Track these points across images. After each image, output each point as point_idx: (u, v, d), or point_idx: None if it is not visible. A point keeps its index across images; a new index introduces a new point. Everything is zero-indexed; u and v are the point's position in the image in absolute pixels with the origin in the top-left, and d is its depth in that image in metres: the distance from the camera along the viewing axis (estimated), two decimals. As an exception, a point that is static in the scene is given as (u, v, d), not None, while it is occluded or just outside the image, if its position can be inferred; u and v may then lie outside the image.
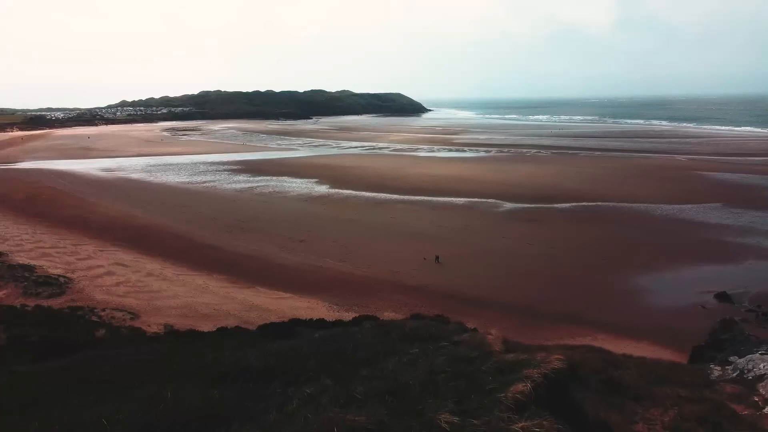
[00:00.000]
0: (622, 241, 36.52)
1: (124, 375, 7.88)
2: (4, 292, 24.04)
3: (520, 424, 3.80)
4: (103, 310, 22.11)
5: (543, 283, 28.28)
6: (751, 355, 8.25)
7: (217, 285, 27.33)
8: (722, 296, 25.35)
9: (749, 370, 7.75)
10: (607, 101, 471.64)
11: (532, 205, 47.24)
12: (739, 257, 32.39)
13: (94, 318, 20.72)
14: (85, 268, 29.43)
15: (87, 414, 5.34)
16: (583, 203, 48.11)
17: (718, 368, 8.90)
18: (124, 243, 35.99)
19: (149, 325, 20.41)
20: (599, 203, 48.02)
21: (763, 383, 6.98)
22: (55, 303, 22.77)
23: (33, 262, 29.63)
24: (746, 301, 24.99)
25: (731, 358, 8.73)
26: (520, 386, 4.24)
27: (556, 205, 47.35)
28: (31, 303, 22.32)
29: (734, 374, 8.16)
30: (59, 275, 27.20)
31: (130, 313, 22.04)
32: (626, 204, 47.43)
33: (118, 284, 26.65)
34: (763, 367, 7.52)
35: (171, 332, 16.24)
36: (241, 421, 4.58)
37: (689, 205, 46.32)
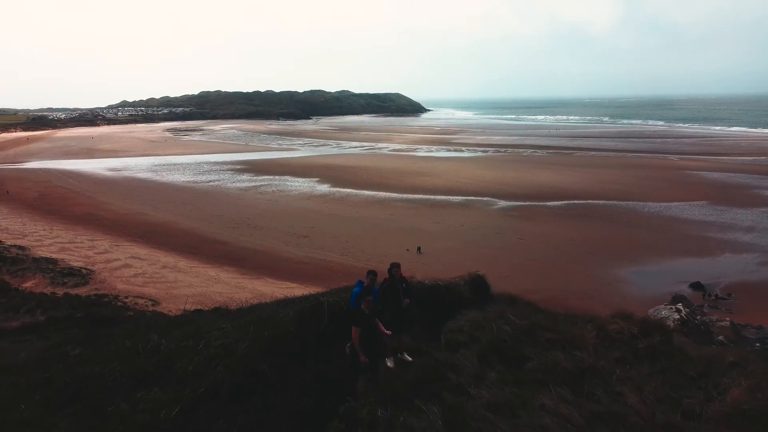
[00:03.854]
0: (609, 236, 38.51)
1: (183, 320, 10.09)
2: (33, 282, 26.08)
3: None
4: (126, 297, 24.17)
5: (532, 275, 30.29)
6: (659, 306, 10.37)
7: (228, 276, 29.37)
8: (696, 286, 27.40)
9: (655, 315, 9.86)
10: (608, 101, 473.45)
11: (526, 203, 49.26)
12: (718, 251, 34.43)
13: (120, 304, 22.77)
14: (104, 261, 31.47)
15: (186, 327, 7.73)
16: (575, 201, 50.10)
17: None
18: (137, 238, 38.03)
19: (170, 311, 22.36)
20: (590, 201, 50.02)
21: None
22: (81, 291, 24.84)
23: (54, 256, 31.68)
24: (718, 291, 27.04)
25: (651, 313, 10.88)
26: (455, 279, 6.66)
27: (549, 203, 49.32)
28: (60, 291, 24.37)
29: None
30: (81, 267, 29.25)
31: (151, 300, 24.09)
32: (616, 202, 49.46)
33: (136, 275, 28.69)
34: (665, 313, 9.64)
35: (196, 311, 18.21)
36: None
37: (676, 203, 48.34)
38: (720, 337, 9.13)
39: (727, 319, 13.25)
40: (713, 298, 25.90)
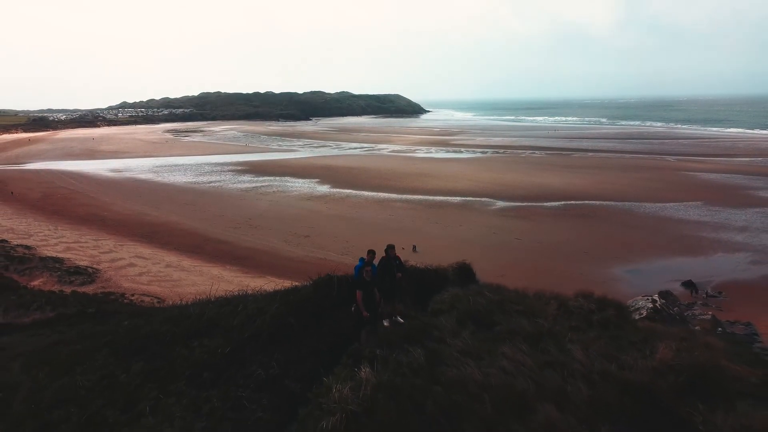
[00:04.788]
0: (604, 236, 39.18)
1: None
2: (41, 280, 26.71)
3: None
4: (132, 295, 24.81)
5: (528, 274, 30.90)
6: (637, 297, 11.10)
7: (231, 275, 30.01)
8: (688, 284, 28.05)
9: (633, 306, 10.59)
10: (608, 102, 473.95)
11: (524, 204, 49.90)
12: (710, 251, 35.11)
13: (126, 301, 23.40)
14: (109, 260, 32.11)
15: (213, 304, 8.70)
16: (572, 201, 50.74)
17: (620, 308, 11.97)
18: (141, 238, 38.67)
19: (175, 308, 23.07)
20: (586, 202, 50.66)
21: (635, 310, 9.81)
22: (89, 289, 25.48)
23: (60, 255, 32.33)
24: (709, 289, 27.71)
25: (633, 305, 11.66)
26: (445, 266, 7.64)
27: (546, 204, 49.97)
28: (68, 289, 25.01)
29: (623, 309, 11.09)
30: (87, 266, 29.89)
31: (156, 298, 24.71)
32: (612, 202, 50.12)
33: (141, 274, 29.34)
34: (642, 303, 10.36)
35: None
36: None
37: (671, 204, 49.01)
38: (696, 328, 9.77)
39: (710, 313, 13.92)
40: (704, 295, 26.57)
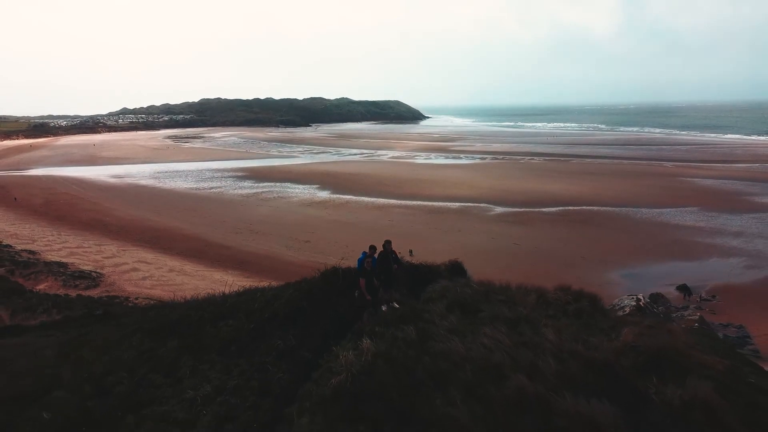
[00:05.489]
0: (602, 241, 39.63)
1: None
2: (46, 284, 27.17)
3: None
4: (136, 298, 25.28)
5: (524, 279, 31.09)
6: (623, 296, 11.63)
7: (233, 279, 30.30)
8: (682, 288, 28.49)
9: (618, 305, 11.10)
10: (607, 108, 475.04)
11: (522, 209, 50.40)
12: (705, 255, 35.57)
13: (130, 305, 23.84)
14: (112, 265, 32.56)
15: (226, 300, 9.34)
16: (570, 207, 51.23)
17: (608, 307, 12.41)
18: (143, 243, 39.13)
19: (178, 311, 23.51)
20: (584, 207, 51.15)
21: (619, 308, 10.34)
22: (93, 293, 25.95)
23: (64, 260, 32.79)
24: (703, 292, 28.18)
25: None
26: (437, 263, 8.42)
27: (544, 209, 50.48)
28: (72, 293, 25.49)
29: (609, 308, 11.55)
30: (91, 270, 30.35)
31: (160, 301, 25.11)
32: (609, 208, 50.62)
33: (144, 278, 29.79)
34: (626, 302, 10.92)
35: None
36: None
37: (668, 209, 49.50)
38: (682, 326, 10.25)
39: (698, 314, 14.41)
40: (698, 299, 27.04)
